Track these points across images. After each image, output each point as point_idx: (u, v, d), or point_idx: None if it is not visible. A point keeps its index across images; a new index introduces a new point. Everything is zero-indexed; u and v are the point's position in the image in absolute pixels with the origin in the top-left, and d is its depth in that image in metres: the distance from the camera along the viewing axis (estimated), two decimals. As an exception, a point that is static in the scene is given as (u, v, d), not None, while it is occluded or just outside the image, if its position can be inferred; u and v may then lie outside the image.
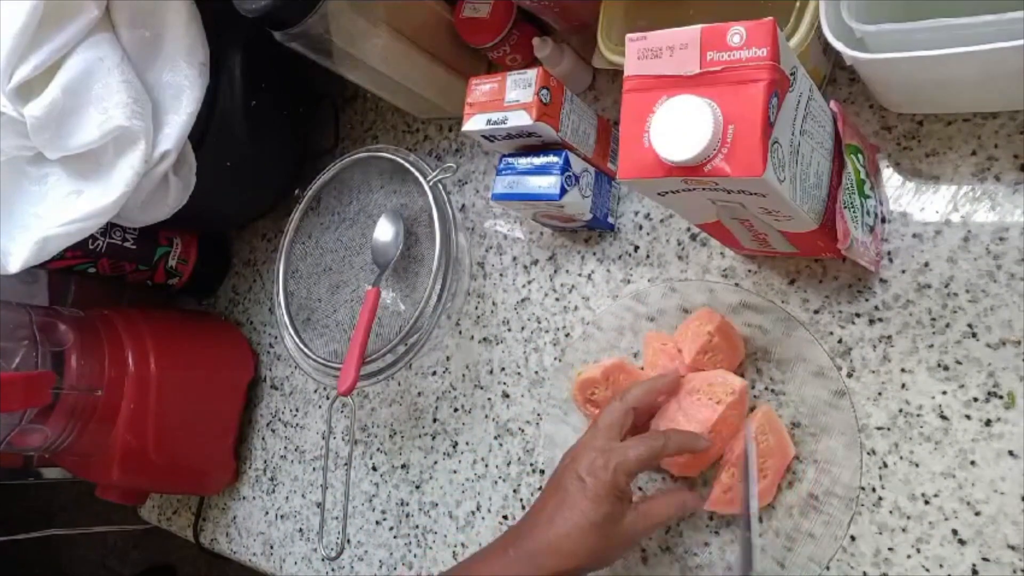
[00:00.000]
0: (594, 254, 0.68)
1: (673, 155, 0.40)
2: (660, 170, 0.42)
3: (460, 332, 0.75)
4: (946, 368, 0.51)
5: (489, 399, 0.72)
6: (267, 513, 0.88)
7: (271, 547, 0.86)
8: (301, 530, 0.84)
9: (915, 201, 0.54)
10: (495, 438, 0.71)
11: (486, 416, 0.72)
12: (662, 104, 0.42)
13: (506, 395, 0.71)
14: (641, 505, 0.52)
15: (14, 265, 0.68)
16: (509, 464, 0.70)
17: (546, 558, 0.49)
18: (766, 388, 0.57)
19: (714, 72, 0.41)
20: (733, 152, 0.40)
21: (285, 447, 0.87)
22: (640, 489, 0.62)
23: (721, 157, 0.40)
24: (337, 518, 0.80)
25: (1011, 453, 0.48)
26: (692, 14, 0.58)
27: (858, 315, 0.55)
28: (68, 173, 0.70)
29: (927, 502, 0.50)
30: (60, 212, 0.68)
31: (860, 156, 0.51)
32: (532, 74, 0.59)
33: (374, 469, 0.79)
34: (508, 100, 0.59)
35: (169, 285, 0.93)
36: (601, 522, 0.49)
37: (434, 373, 0.76)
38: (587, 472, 0.50)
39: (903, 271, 0.53)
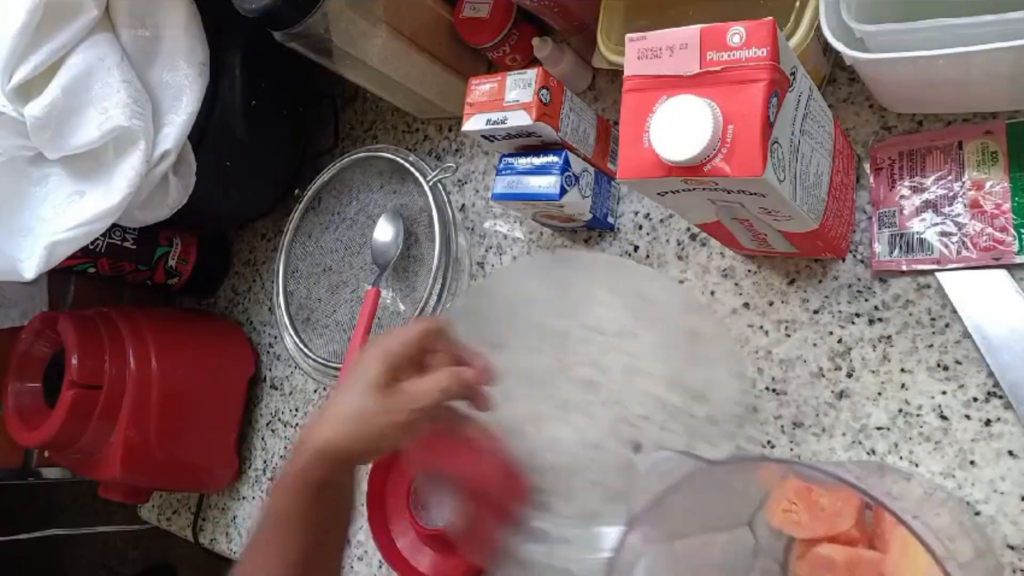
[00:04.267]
0: (594, 254, 0.68)
1: (673, 155, 0.40)
2: (660, 170, 0.42)
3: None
4: (946, 368, 0.51)
5: (489, 399, 0.72)
6: (267, 513, 0.88)
7: (271, 547, 0.86)
8: (301, 530, 0.84)
9: (915, 201, 0.54)
10: (495, 438, 0.71)
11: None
12: (662, 104, 0.42)
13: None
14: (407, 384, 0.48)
15: (29, 272, 0.68)
16: (509, 464, 0.70)
17: (312, 433, 0.46)
18: (766, 388, 0.57)
19: (714, 72, 0.41)
20: (733, 152, 0.40)
21: (285, 447, 0.87)
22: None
23: (721, 157, 0.40)
24: (337, 518, 0.80)
25: (1011, 453, 0.48)
26: (692, 14, 0.58)
27: (858, 315, 0.55)
28: (69, 174, 0.70)
29: (927, 502, 0.50)
30: (64, 215, 0.68)
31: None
32: (532, 74, 0.59)
33: (374, 469, 0.79)
34: (508, 100, 0.59)
35: (169, 285, 0.93)
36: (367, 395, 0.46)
37: (434, 373, 0.76)
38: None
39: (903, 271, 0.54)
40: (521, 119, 0.58)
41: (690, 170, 0.41)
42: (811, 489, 0.48)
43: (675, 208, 0.51)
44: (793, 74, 0.42)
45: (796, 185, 0.43)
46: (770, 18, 0.39)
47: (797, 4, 0.50)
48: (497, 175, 0.63)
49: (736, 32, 0.40)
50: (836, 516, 0.47)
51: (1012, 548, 0.47)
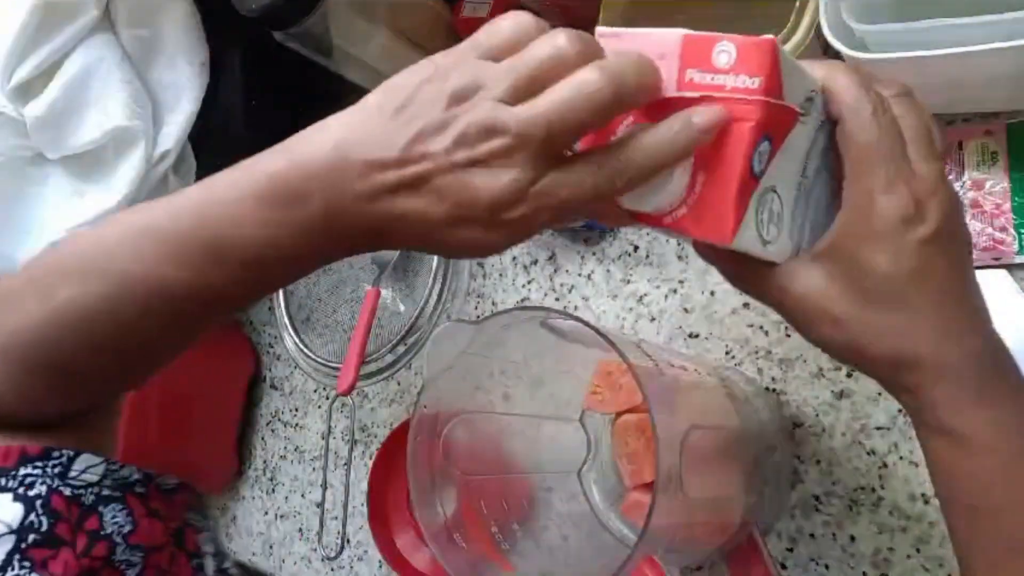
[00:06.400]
0: (594, 254, 0.68)
1: (631, 202, 0.33)
2: (623, 217, 0.34)
3: (460, 332, 0.75)
4: (946, 368, 0.51)
5: (490, 400, 0.72)
6: (267, 513, 0.88)
7: (271, 547, 0.86)
8: (301, 530, 0.84)
9: (915, 201, 0.54)
10: (495, 438, 0.71)
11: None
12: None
13: (507, 396, 0.71)
14: None
15: None
16: (509, 464, 0.70)
17: None
18: (766, 388, 0.57)
19: (690, 99, 0.30)
20: (700, 207, 0.31)
21: (285, 447, 0.87)
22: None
23: (686, 208, 0.31)
24: (337, 518, 0.80)
25: (1011, 453, 0.48)
26: (691, 14, 0.57)
27: (858, 315, 0.55)
28: (69, 175, 0.70)
29: (927, 502, 0.50)
30: (64, 215, 0.68)
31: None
32: (532, 74, 0.58)
33: (374, 469, 0.79)
34: (508, 100, 0.59)
35: (169, 285, 0.93)
36: None
37: (434, 373, 0.76)
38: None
39: (903, 271, 0.53)
40: (521, 119, 0.58)
41: (652, 219, 0.33)
42: (611, 372, 0.57)
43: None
44: (810, 100, 0.32)
45: (803, 235, 0.35)
46: (770, 36, 0.30)
47: (797, 4, 0.50)
48: (497, 175, 0.63)
49: (724, 49, 0.30)
50: (632, 392, 0.55)
51: None
